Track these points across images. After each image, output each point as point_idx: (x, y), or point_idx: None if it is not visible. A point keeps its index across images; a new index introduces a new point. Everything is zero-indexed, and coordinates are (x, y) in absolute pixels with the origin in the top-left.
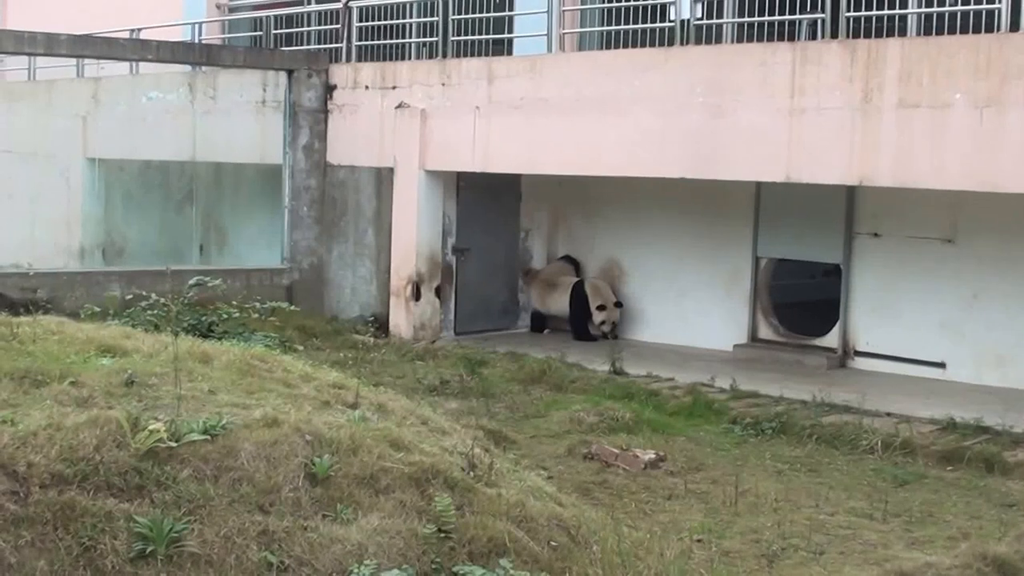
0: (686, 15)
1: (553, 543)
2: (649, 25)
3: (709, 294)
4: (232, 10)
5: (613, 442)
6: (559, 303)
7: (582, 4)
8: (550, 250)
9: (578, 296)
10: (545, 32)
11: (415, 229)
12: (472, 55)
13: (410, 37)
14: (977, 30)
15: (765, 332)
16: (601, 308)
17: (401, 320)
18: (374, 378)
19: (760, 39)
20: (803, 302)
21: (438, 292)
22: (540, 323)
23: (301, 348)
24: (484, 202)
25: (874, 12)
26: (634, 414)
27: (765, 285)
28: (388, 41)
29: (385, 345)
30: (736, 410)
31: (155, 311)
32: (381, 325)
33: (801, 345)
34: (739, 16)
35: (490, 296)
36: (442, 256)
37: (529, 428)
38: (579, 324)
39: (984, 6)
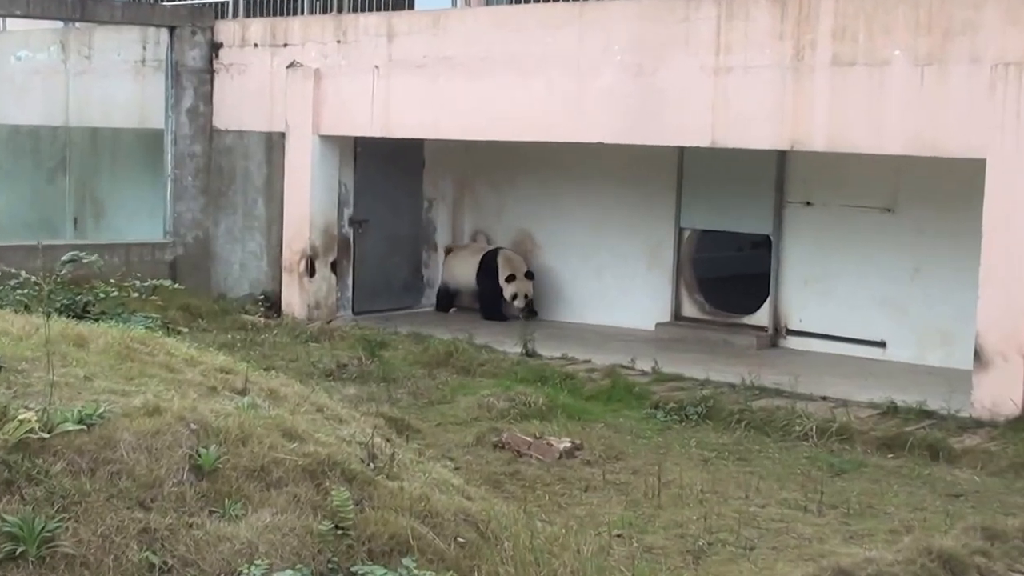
0: None
1: (460, 540)
2: None
3: (629, 269)
4: None
5: (525, 430)
6: (467, 275)
7: None
8: (455, 222)
9: (487, 267)
10: None
11: (308, 199)
12: (370, 10)
13: None
14: None
15: (690, 310)
16: (511, 279)
17: (294, 298)
18: (265, 362)
19: None
20: (730, 277)
21: (334, 268)
22: (447, 301)
23: (186, 330)
24: (384, 170)
25: None
26: (548, 399)
27: (689, 259)
28: None
29: (277, 326)
30: (659, 394)
31: (25, 290)
32: (273, 304)
33: (729, 323)
34: None
35: (391, 272)
36: (338, 228)
37: (434, 415)
38: (489, 300)
39: None
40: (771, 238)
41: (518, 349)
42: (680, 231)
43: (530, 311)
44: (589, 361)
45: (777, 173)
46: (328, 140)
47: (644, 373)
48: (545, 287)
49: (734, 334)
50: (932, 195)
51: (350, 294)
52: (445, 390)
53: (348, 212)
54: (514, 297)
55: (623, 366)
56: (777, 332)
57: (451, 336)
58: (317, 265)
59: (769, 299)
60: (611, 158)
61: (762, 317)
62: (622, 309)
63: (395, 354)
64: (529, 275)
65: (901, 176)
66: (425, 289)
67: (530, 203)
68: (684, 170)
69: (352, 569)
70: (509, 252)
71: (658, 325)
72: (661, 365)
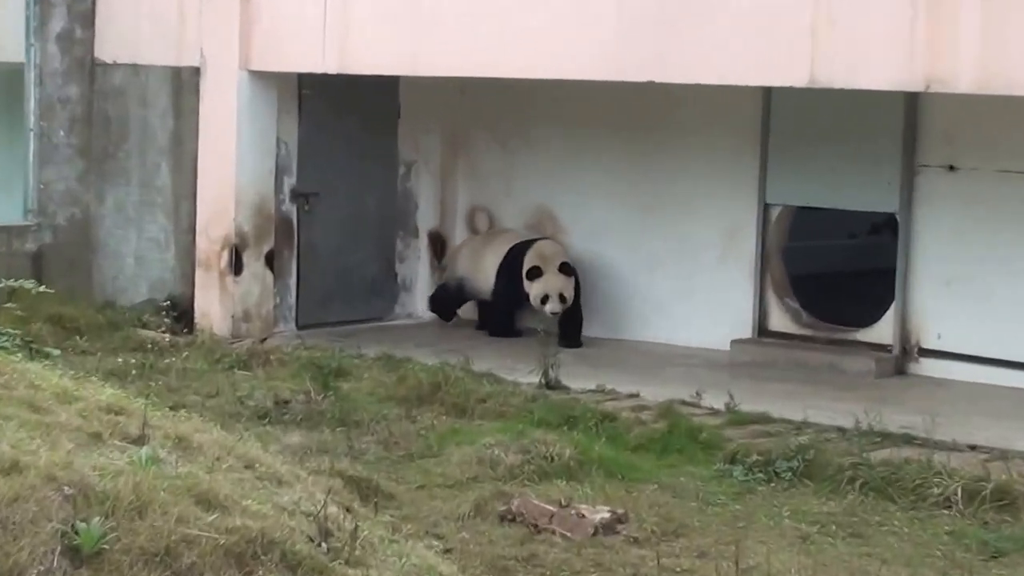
0: None
1: None
2: None
3: (693, 263)
4: None
5: (545, 494)
6: (485, 273)
7: None
8: (445, 195)
9: (511, 263)
10: None
11: (234, 164)
12: None
13: None
14: None
15: (780, 321)
16: (535, 275)
17: (213, 306)
18: (172, 397)
19: None
20: (838, 274)
21: (270, 262)
22: (450, 305)
23: (57, 351)
24: (341, 122)
25: None
26: (578, 450)
27: (779, 249)
28: None
29: (189, 346)
30: (735, 442)
31: None
32: (182, 314)
33: (836, 340)
34: None
35: (352, 268)
36: (276, 206)
37: (415, 474)
38: (501, 307)
39: None
40: (897, 218)
41: (535, 378)
42: (766, 209)
43: (570, 327)
44: (636, 395)
45: (906, 126)
46: (261, 79)
47: (714, 412)
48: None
49: (844, 355)
50: None
51: (293, 300)
52: (430, 438)
53: (290, 182)
54: (543, 300)
55: (684, 402)
56: (906, 353)
57: (439, 360)
58: (246, 258)
59: (894, 306)
60: (664, 106)
61: (884, 331)
62: (683, 320)
63: (358, 386)
64: (566, 268)
65: None
66: (400, 292)
67: (551, 169)
68: (771, 122)
69: None
70: (548, 243)
71: (734, 343)
72: (738, 400)
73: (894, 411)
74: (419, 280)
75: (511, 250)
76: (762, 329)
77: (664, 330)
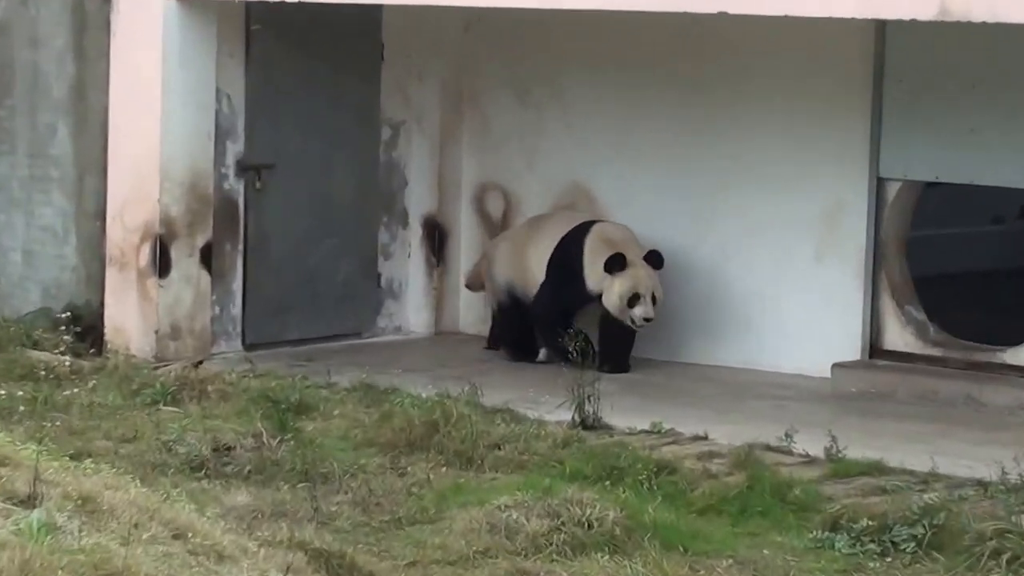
0: None
1: None
2: None
3: (778, 259)
4: None
5: (582, 573)
6: (531, 273)
7: None
8: (444, 166)
9: (566, 255)
10: None
11: (158, 126)
12: None
13: None
14: None
15: (900, 336)
16: (617, 265)
17: (130, 319)
18: (73, 442)
19: None
20: (979, 274)
21: (206, 259)
22: (514, 332)
23: None
24: (304, 68)
25: None
26: (625, 513)
27: (898, 239)
28: None
29: (97, 372)
30: (839, 502)
31: None
32: (88, 329)
33: (975, 363)
34: None
35: (319, 266)
36: (217, 183)
37: (404, 546)
38: (550, 319)
39: None
40: None
41: (567, 415)
42: (879, 186)
43: (615, 345)
44: (704, 438)
45: None
46: (195, 8)
47: (810, 460)
48: None
49: (986, 383)
50: None
51: (239, 310)
52: (425, 497)
53: (236, 150)
54: (631, 301)
55: (769, 447)
56: None
57: (437, 390)
58: (175, 254)
59: None
60: (742, 47)
61: None
62: (767, 337)
63: (327, 427)
64: (655, 259)
65: None
66: (384, 299)
67: (588, 133)
68: (886, 70)
69: None
70: (613, 226)
71: (837, 368)
72: (843, 445)
73: None
74: (410, 283)
75: (566, 237)
76: (875, 348)
77: (741, 350)
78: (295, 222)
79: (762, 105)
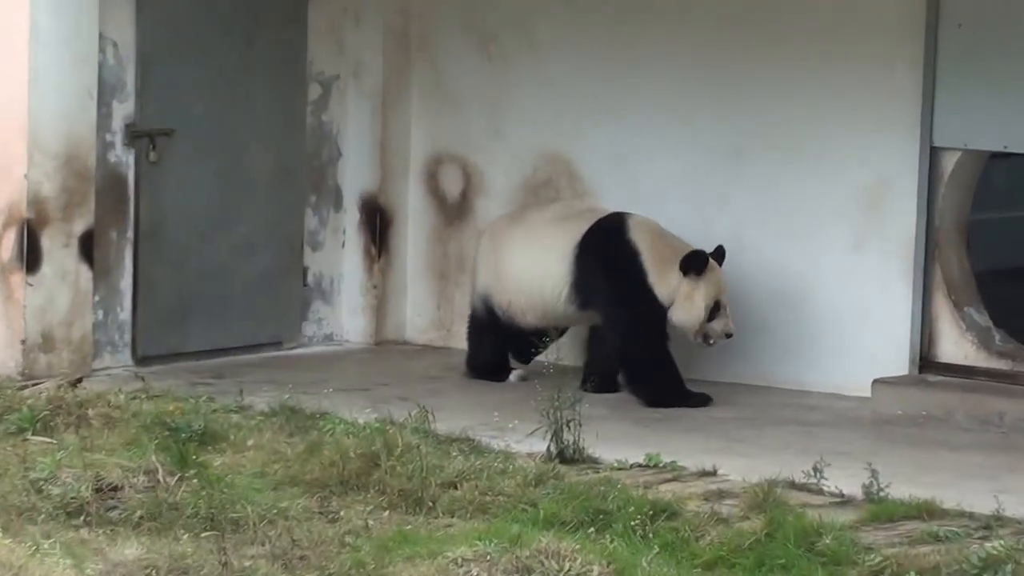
0: None
1: None
2: None
3: (808, 250)
4: None
5: None
6: (547, 280)
7: None
8: (388, 133)
9: (609, 253)
10: None
11: (23, 81)
12: None
13: None
14: None
15: (957, 346)
16: (698, 264)
17: None
18: None
19: None
20: None
21: (87, 250)
22: (498, 351)
23: None
24: (209, 7)
25: None
26: (614, 567)
27: (957, 225)
28: None
29: None
30: (881, 552)
31: None
32: None
33: None
34: None
35: (230, 260)
36: (100, 154)
37: None
38: (640, 342)
39: None
40: None
41: (541, 444)
42: (933, 156)
43: (606, 358)
44: (712, 473)
45: None
46: None
47: (844, 500)
48: None
49: None
50: None
51: (128, 315)
52: (362, 549)
53: (124, 113)
54: (712, 313)
55: (794, 484)
56: None
57: (378, 414)
58: (47, 244)
59: None
60: None
61: None
62: (792, 346)
63: (240, 461)
64: (720, 256)
65: None
66: (312, 300)
67: (571, 92)
68: (942, 10)
69: None
70: (646, 220)
71: (880, 384)
72: (886, 481)
73: None
74: (344, 280)
75: (594, 235)
76: (927, 360)
77: (761, 364)
78: (199, 203)
79: (788, 58)
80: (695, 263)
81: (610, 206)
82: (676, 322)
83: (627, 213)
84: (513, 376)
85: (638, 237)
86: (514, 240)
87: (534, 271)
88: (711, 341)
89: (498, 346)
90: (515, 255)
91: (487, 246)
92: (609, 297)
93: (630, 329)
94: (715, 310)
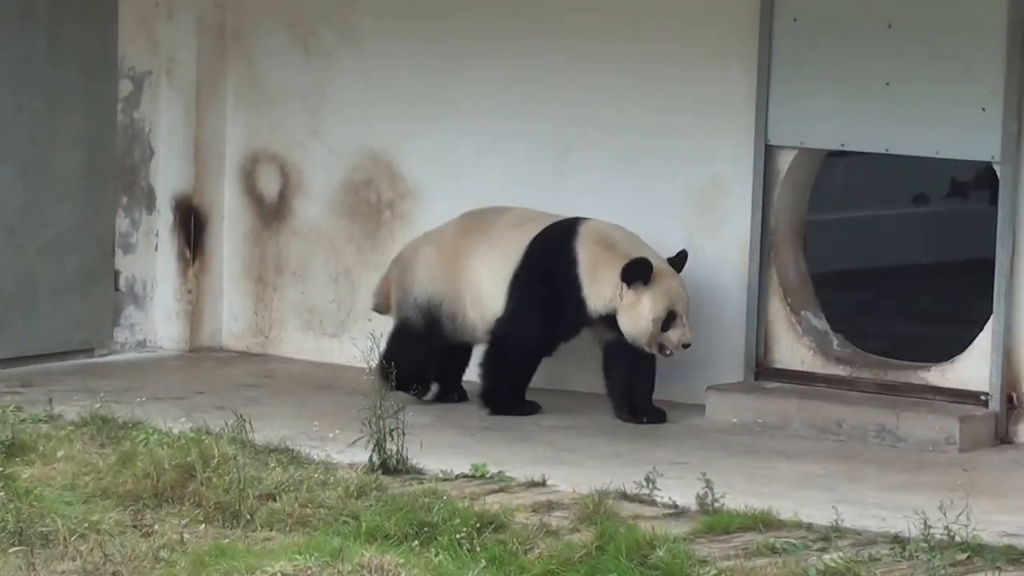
0: None
1: None
2: None
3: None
4: None
5: None
6: (490, 288)
7: None
8: (203, 130)
9: (549, 267)
10: None
11: None
12: None
13: None
14: None
15: (793, 352)
16: (642, 273)
17: None
18: None
19: None
20: (896, 270)
21: None
22: (415, 362)
23: None
24: None
25: None
26: None
27: (793, 225)
28: None
29: None
30: (715, 564)
31: None
32: None
33: (891, 385)
34: None
35: (34, 264)
36: None
37: None
38: (526, 354)
39: None
40: (997, 171)
41: (363, 455)
42: (768, 154)
43: (644, 393)
44: (541, 484)
45: (1013, 6)
46: None
47: (678, 511)
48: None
49: (905, 411)
50: None
51: None
52: (178, 564)
53: None
54: (666, 323)
55: (625, 494)
56: (1013, 406)
57: (193, 424)
58: None
59: (992, 325)
60: None
61: (973, 370)
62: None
63: (49, 473)
64: (680, 262)
65: None
66: (125, 306)
67: (394, 88)
68: (776, 4)
69: None
70: (600, 223)
71: (714, 391)
72: (721, 491)
73: (992, 506)
74: (157, 284)
75: (540, 241)
76: (763, 366)
77: (591, 369)
78: (2, 203)
79: (618, 54)
80: (634, 273)
81: (434, 206)
82: (624, 332)
83: (582, 219)
84: (432, 391)
85: (581, 242)
86: (467, 245)
87: (493, 276)
88: (667, 352)
89: (428, 360)
90: (470, 260)
91: (431, 254)
92: (517, 294)
93: (516, 325)
94: (669, 320)
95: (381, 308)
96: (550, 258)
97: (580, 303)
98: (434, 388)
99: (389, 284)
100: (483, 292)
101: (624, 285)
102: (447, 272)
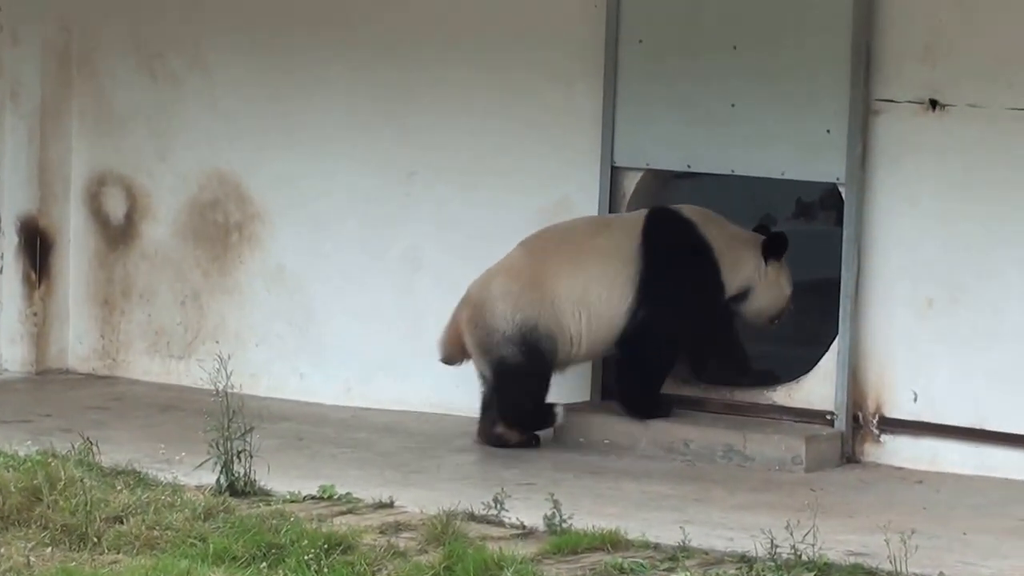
0: None
1: None
2: None
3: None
4: None
5: None
6: (578, 299)
7: None
8: (48, 153)
9: (678, 257)
10: None
11: None
12: None
13: None
14: None
15: None
16: (781, 246)
17: None
18: None
19: None
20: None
21: None
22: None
23: None
24: None
25: None
26: None
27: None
28: None
29: None
30: None
31: None
32: None
33: (737, 405)
34: None
35: None
36: None
37: None
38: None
39: None
40: (841, 192)
41: (210, 477)
42: (615, 176)
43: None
44: (388, 504)
45: (857, 33)
46: None
47: (525, 531)
48: (273, 318)
49: (752, 432)
50: None
51: None
52: None
53: None
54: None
55: (473, 516)
56: (859, 426)
57: (38, 446)
58: None
59: (837, 346)
60: None
61: (819, 390)
62: (465, 371)
63: None
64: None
65: None
66: None
67: (241, 112)
68: (622, 25)
69: None
70: (699, 209)
71: (567, 409)
72: (568, 512)
73: (838, 526)
74: (3, 307)
75: (652, 229)
76: (608, 388)
77: (439, 389)
78: None
79: (464, 76)
80: (778, 247)
81: (282, 229)
82: (757, 308)
83: (671, 207)
84: (559, 415)
85: (702, 222)
86: (550, 259)
87: (599, 281)
88: (777, 322)
89: (545, 386)
90: (560, 273)
91: (506, 282)
92: (651, 293)
93: (662, 327)
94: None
95: (453, 359)
96: (676, 250)
97: (719, 286)
98: (559, 409)
99: (459, 330)
100: (596, 302)
101: (763, 261)
102: (534, 296)
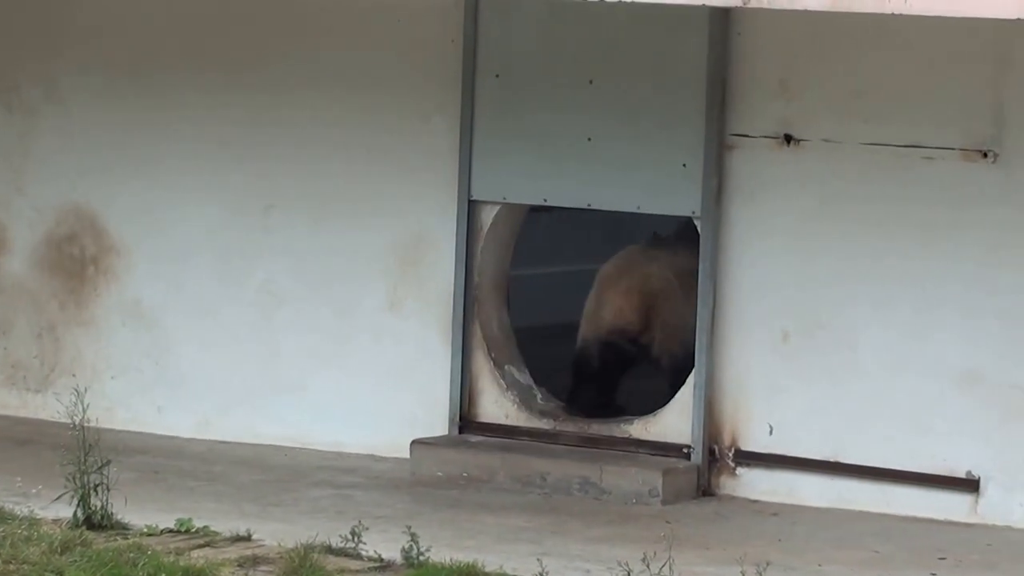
0: None
1: None
2: None
3: (340, 306)
4: None
5: None
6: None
7: None
8: None
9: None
10: None
11: None
12: None
13: None
14: None
15: (497, 406)
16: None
17: None
18: None
19: None
20: None
21: None
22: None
23: None
24: None
25: None
26: None
27: (497, 281)
28: None
29: None
30: None
31: None
32: None
33: (594, 438)
34: None
35: None
36: None
37: None
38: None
39: None
40: (697, 226)
41: (67, 511)
42: (472, 209)
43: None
44: (246, 538)
45: (712, 68)
46: None
47: (383, 564)
48: (130, 351)
49: (609, 465)
50: None
51: None
52: None
53: None
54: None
55: (331, 548)
56: (715, 459)
57: None
58: None
59: (694, 379)
60: (299, 30)
61: (676, 423)
62: (324, 406)
63: None
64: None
65: (1010, 81)
66: None
67: (97, 145)
68: (479, 59)
69: None
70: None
71: (418, 445)
72: (426, 545)
73: (694, 558)
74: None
75: None
76: (467, 420)
77: (291, 424)
78: None
79: (319, 108)
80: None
81: (139, 262)
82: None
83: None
84: None
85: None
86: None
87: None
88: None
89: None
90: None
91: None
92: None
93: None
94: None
95: None
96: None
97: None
98: None
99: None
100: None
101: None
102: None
